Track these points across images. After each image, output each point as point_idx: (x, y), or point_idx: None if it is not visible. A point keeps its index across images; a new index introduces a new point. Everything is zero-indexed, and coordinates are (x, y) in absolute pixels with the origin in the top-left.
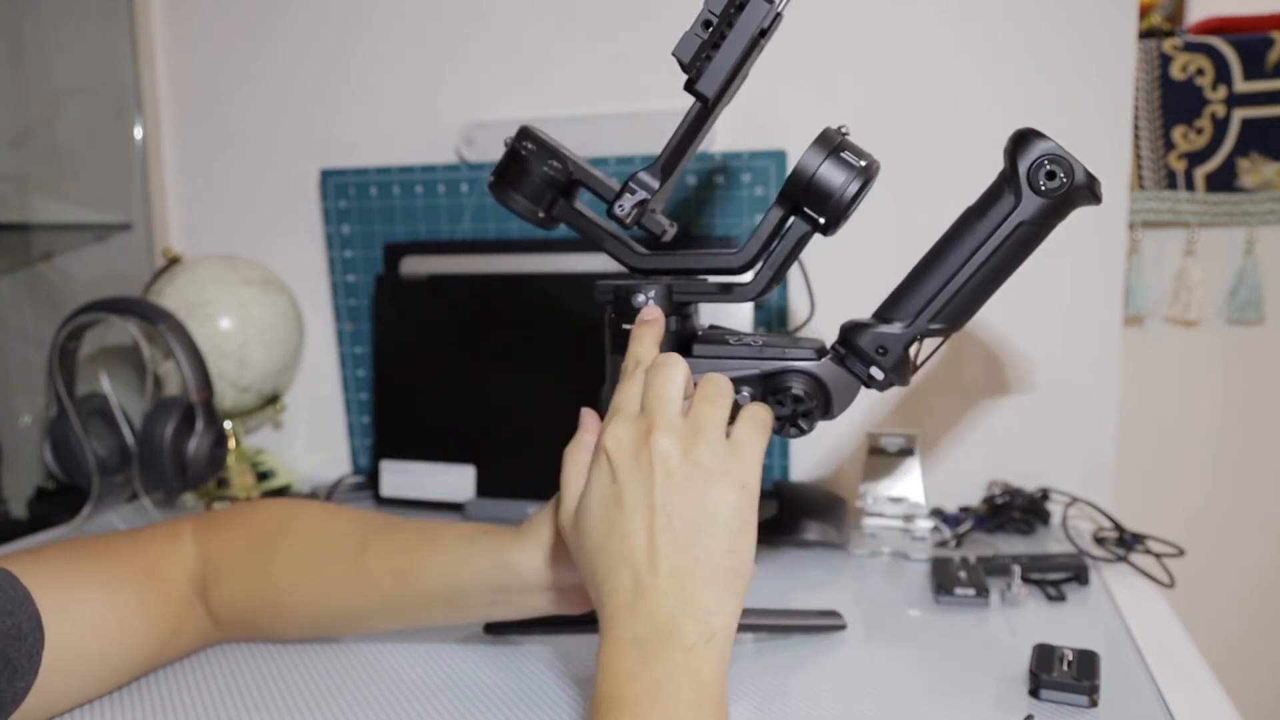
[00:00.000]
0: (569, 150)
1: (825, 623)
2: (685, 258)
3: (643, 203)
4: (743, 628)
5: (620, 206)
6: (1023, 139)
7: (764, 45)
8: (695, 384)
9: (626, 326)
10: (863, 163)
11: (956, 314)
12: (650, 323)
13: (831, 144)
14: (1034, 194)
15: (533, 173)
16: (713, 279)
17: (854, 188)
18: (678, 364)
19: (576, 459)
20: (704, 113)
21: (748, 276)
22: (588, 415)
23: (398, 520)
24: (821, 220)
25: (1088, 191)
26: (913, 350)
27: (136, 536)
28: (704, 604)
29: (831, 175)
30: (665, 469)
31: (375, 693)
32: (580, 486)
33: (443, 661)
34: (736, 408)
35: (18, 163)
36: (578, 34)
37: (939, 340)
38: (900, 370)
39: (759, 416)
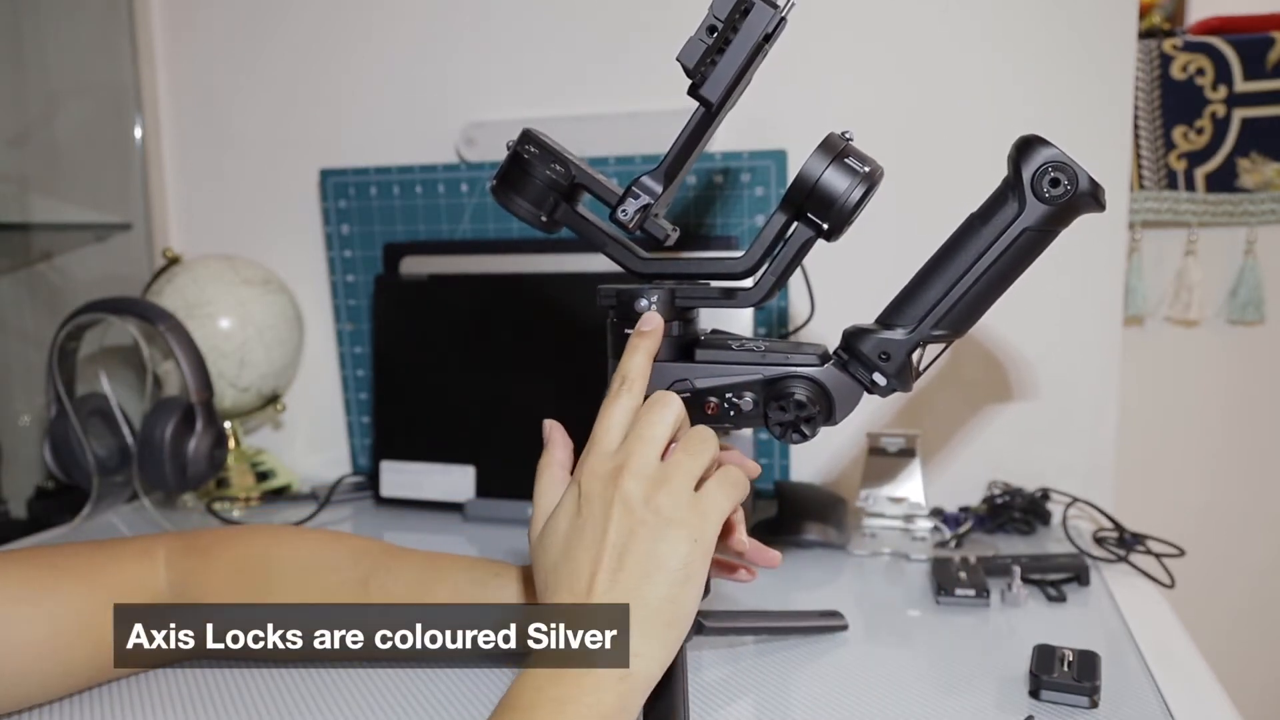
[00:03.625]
0: (571, 154)
1: (826, 623)
2: (688, 262)
3: (646, 207)
4: (744, 629)
5: (623, 211)
6: (1027, 145)
7: (768, 49)
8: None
9: (628, 331)
10: (866, 169)
11: (960, 320)
12: (648, 334)
13: (835, 150)
14: (1038, 201)
15: (535, 176)
16: (715, 284)
17: (857, 194)
18: (670, 404)
19: (550, 476)
20: (708, 118)
21: (750, 282)
22: (555, 429)
23: (398, 551)
24: (825, 226)
25: (1091, 198)
26: (915, 356)
27: (103, 552)
28: (629, 645)
29: (835, 182)
30: (625, 509)
31: (366, 692)
32: (550, 505)
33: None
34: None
35: (18, 163)
36: (578, 34)
37: (942, 346)
38: (903, 376)
39: (732, 477)
